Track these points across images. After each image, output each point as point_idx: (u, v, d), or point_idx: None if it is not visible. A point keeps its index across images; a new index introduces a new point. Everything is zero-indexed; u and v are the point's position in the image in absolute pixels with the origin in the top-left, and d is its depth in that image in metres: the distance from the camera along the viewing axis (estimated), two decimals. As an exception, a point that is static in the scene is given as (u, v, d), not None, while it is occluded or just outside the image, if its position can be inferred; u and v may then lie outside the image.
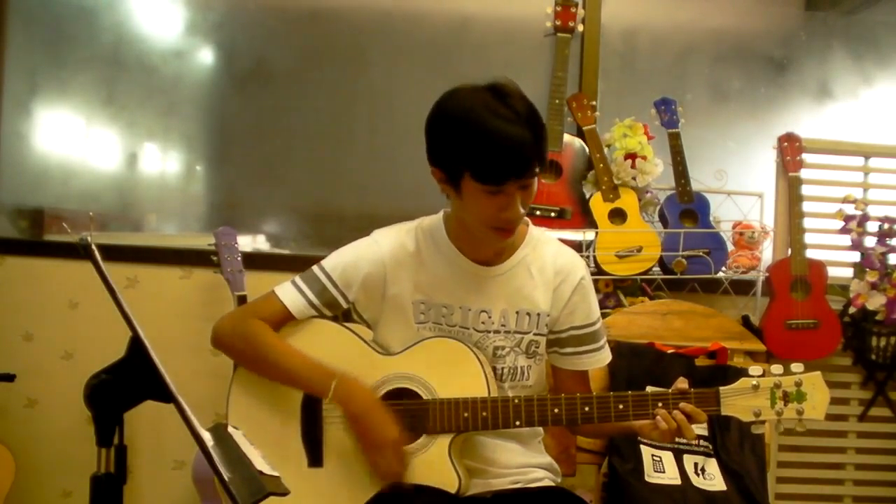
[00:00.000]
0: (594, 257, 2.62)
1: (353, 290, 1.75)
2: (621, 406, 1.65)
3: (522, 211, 1.60)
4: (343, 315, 1.79)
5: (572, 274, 1.77)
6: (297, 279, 1.77)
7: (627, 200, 2.68)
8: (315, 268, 1.77)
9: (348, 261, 1.75)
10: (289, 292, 1.75)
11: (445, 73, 1.68)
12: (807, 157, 2.80)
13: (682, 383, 1.65)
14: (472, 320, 1.74)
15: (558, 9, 2.77)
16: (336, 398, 1.66)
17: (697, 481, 2.11)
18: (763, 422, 1.64)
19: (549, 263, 1.77)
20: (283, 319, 1.74)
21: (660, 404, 1.63)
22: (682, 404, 1.62)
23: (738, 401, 1.63)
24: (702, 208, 2.72)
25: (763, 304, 2.77)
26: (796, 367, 1.64)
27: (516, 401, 1.66)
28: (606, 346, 1.85)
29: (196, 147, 2.98)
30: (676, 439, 1.65)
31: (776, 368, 1.64)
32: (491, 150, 1.53)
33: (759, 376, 1.63)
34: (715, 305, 2.64)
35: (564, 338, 1.79)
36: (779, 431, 1.69)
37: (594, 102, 2.78)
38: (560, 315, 1.77)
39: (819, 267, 2.73)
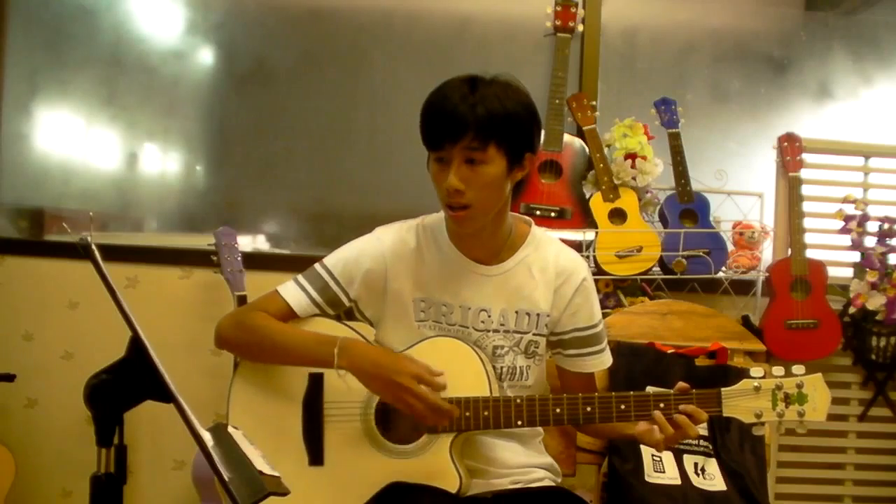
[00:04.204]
0: (594, 257, 2.62)
1: (354, 287, 1.75)
2: (623, 406, 1.65)
3: (459, 183, 1.58)
4: (346, 314, 1.79)
5: (574, 275, 1.77)
6: (300, 277, 1.77)
7: (627, 200, 2.68)
8: (317, 265, 1.77)
9: (350, 257, 1.76)
10: (291, 290, 1.75)
11: (445, 73, 1.68)
12: (807, 157, 2.80)
13: (683, 385, 1.65)
14: (472, 319, 1.74)
15: (558, 9, 2.77)
16: (343, 365, 1.64)
17: (697, 481, 2.11)
18: (764, 423, 1.64)
19: (550, 264, 1.77)
20: (286, 317, 1.74)
21: (661, 405, 1.63)
22: (682, 406, 1.62)
23: (739, 402, 1.63)
24: (702, 208, 2.72)
25: (763, 304, 2.77)
26: (798, 368, 1.64)
27: (518, 400, 1.66)
28: (608, 348, 1.85)
29: (196, 147, 2.98)
30: (679, 441, 1.65)
31: (777, 370, 1.64)
32: (429, 113, 1.60)
33: (760, 378, 1.63)
34: (715, 305, 2.64)
35: (567, 339, 1.79)
36: (780, 432, 1.69)
37: (594, 102, 2.78)
38: (562, 316, 1.77)
39: (819, 267, 2.73)
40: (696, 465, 2.14)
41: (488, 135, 1.57)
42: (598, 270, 2.60)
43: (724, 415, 1.64)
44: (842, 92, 3.10)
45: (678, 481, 2.09)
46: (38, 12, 2.86)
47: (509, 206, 1.73)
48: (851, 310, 2.75)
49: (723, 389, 1.64)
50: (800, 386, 1.62)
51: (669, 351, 2.27)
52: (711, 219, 2.74)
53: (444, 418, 1.63)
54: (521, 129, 1.62)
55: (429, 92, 1.65)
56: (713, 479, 2.12)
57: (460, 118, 1.56)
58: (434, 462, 1.66)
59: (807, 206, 2.77)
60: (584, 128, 2.72)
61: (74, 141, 2.89)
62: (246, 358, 1.78)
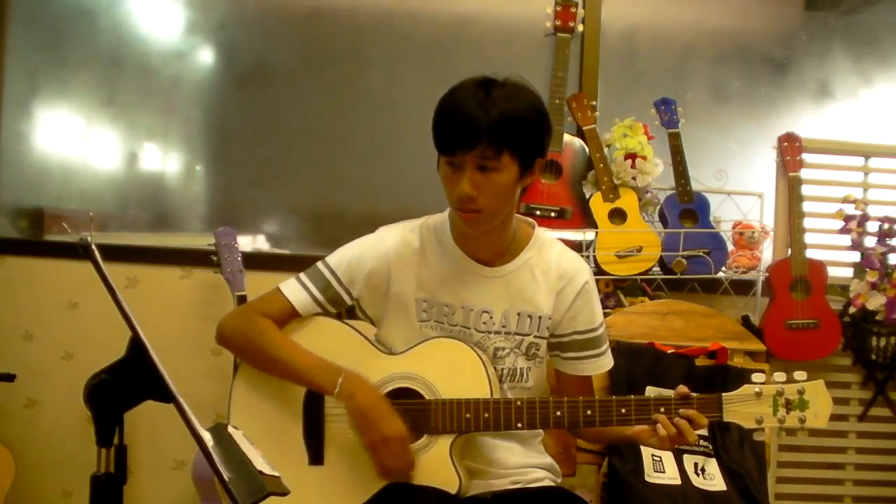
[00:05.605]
0: (594, 257, 2.62)
1: (357, 287, 1.75)
2: (623, 410, 1.65)
3: (471, 190, 1.58)
4: (347, 312, 1.79)
5: (576, 278, 1.77)
6: (302, 275, 1.77)
7: (627, 200, 2.68)
8: (319, 264, 1.77)
9: (353, 256, 1.76)
10: (293, 289, 1.75)
11: (445, 72, 1.69)
12: (807, 157, 2.80)
13: (683, 389, 1.65)
14: (474, 320, 1.74)
15: (558, 9, 2.77)
16: (342, 394, 1.66)
17: (697, 481, 2.11)
18: (765, 429, 1.64)
19: (553, 266, 1.77)
20: (288, 316, 1.74)
21: (661, 409, 1.63)
22: (682, 410, 1.62)
23: (740, 407, 1.63)
24: (702, 208, 2.72)
25: (763, 304, 2.77)
26: (799, 374, 1.63)
27: (518, 403, 1.66)
28: (609, 352, 1.84)
29: (196, 147, 2.98)
30: (677, 445, 1.65)
31: (779, 375, 1.64)
32: (443, 117, 1.60)
33: (761, 383, 1.63)
34: (715, 305, 2.64)
35: (566, 342, 1.79)
36: (779, 435, 1.69)
37: (594, 102, 2.78)
38: (562, 319, 1.77)
39: (819, 267, 2.73)
40: (696, 465, 2.14)
41: (502, 144, 1.57)
42: (598, 270, 2.60)
43: (725, 420, 1.63)
44: (842, 92, 3.10)
45: (678, 481, 2.09)
46: (38, 12, 2.86)
47: (515, 209, 1.73)
48: (851, 310, 2.75)
49: (724, 395, 1.63)
50: (801, 392, 1.62)
51: (669, 351, 2.27)
52: (711, 219, 2.74)
53: (393, 477, 1.66)
54: (534, 136, 1.62)
55: (428, 91, 1.65)
56: (713, 479, 2.12)
57: (475, 126, 1.55)
58: (434, 463, 1.66)
59: (807, 206, 2.77)
60: (584, 128, 2.72)
61: (74, 141, 2.88)
62: (244, 361, 1.78)
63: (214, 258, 2.52)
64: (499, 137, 1.56)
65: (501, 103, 1.56)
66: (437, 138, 1.61)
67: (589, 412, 1.66)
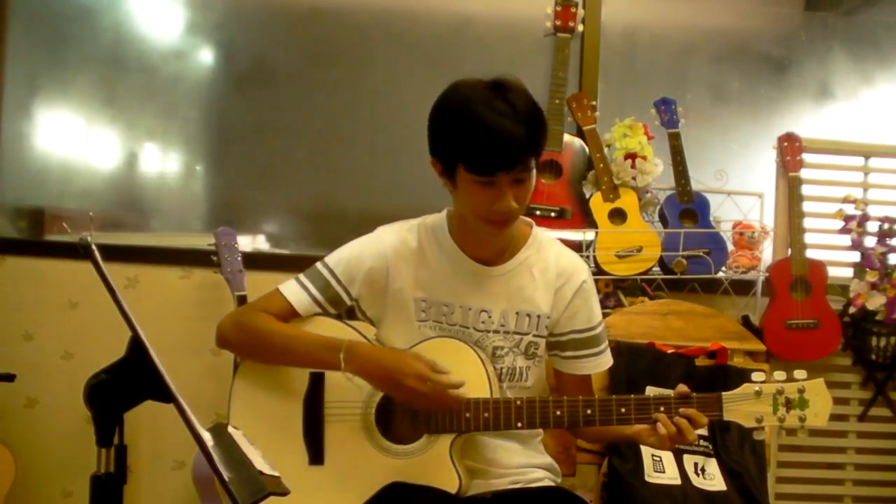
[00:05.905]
0: (594, 257, 2.62)
1: (356, 286, 1.75)
2: (623, 409, 1.65)
3: (515, 205, 1.60)
4: (347, 313, 1.79)
5: (574, 276, 1.77)
6: (301, 276, 1.77)
7: (627, 200, 2.68)
8: (318, 264, 1.77)
9: (351, 256, 1.76)
10: (293, 289, 1.75)
11: (446, 72, 1.68)
12: (807, 157, 2.80)
13: (683, 388, 1.65)
14: (473, 320, 1.74)
15: (558, 9, 2.77)
16: (349, 368, 1.65)
17: (697, 481, 2.11)
18: (764, 428, 1.64)
19: (551, 265, 1.77)
20: (288, 316, 1.74)
21: (661, 408, 1.63)
22: (682, 409, 1.62)
23: (740, 406, 1.63)
24: (702, 208, 2.72)
25: (763, 304, 2.77)
26: (799, 373, 1.63)
27: (518, 402, 1.66)
28: (608, 350, 1.84)
29: (196, 147, 2.97)
30: (677, 444, 1.65)
31: (779, 374, 1.64)
32: (481, 142, 1.56)
33: (761, 382, 1.63)
34: (715, 305, 2.64)
35: (565, 341, 1.79)
36: (779, 435, 1.69)
37: (594, 102, 2.78)
38: (561, 318, 1.77)
39: (819, 267, 2.73)
40: (696, 465, 2.14)
41: (532, 156, 1.59)
42: (598, 270, 2.60)
43: (725, 419, 1.63)
44: (842, 92, 3.10)
45: (678, 481, 2.09)
46: (39, 13, 2.86)
47: None
48: (851, 310, 2.75)
49: (724, 394, 1.63)
50: (801, 391, 1.62)
51: (669, 351, 2.27)
52: (711, 219, 2.74)
53: (452, 409, 1.63)
54: (546, 137, 1.64)
55: (428, 90, 1.65)
56: (713, 479, 2.12)
57: (518, 148, 1.55)
58: (434, 462, 1.66)
59: (807, 206, 2.77)
60: (584, 128, 2.72)
61: (74, 141, 2.88)
62: (248, 359, 1.78)
63: (214, 258, 2.52)
64: (531, 153, 1.58)
65: (523, 113, 1.56)
66: (469, 160, 1.57)
67: (589, 412, 1.66)
